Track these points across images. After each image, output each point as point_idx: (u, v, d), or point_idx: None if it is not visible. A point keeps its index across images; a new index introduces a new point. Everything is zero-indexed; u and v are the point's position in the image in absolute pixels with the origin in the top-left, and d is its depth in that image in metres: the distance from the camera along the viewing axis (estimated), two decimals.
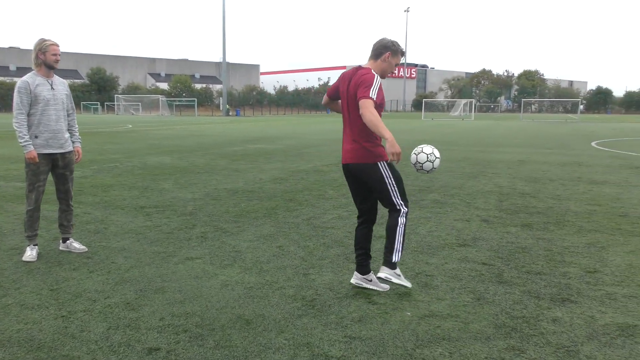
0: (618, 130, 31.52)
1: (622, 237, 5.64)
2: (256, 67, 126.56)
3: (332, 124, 37.84)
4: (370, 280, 4.09)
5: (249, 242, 5.38)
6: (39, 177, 4.84)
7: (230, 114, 69.74)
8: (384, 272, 3.95)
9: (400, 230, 3.89)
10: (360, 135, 3.82)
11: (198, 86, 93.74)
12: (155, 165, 12.07)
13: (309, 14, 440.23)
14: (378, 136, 3.76)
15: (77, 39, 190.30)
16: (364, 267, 4.10)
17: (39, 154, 4.78)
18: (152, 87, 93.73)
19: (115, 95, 74.61)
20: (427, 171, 4.06)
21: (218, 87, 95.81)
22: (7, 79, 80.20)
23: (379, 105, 3.75)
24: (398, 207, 3.90)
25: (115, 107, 72.49)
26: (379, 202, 4.05)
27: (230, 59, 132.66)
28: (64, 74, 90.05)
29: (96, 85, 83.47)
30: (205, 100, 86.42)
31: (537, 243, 5.37)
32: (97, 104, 75.09)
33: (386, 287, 4.04)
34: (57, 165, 4.96)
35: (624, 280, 4.25)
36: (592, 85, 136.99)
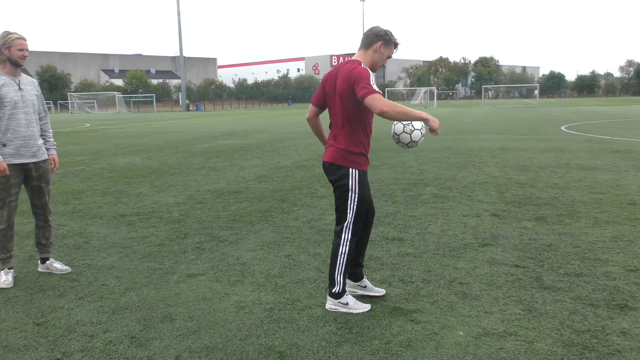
0: (579, 113, 32.10)
1: None
2: (213, 60, 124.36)
3: (298, 116, 37.29)
4: (365, 287, 3.74)
5: (253, 252, 4.87)
6: (10, 191, 4.20)
7: (191, 108, 68.18)
8: (328, 304, 3.55)
9: (343, 251, 3.47)
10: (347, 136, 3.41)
11: (154, 81, 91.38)
12: (126, 166, 11.32)
13: (266, 6, 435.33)
14: (366, 144, 3.44)
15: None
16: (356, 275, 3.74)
17: (8, 165, 4.14)
18: (107, 84, 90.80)
19: (69, 94, 71.87)
20: (406, 143, 3.47)
21: (175, 81, 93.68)
22: None
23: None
24: (346, 224, 3.46)
25: (69, 105, 69.83)
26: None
27: (187, 52, 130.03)
28: None
29: (47, 84, 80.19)
30: (163, 96, 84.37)
31: (561, 239, 5.05)
32: (49, 103, 72.19)
33: (382, 290, 3.77)
34: (30, 177, 4.33)
35: None
36: (544, 70, 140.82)
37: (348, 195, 3.41)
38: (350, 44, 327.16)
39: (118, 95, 68.55)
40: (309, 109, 3.76)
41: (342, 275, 3.47)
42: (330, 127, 3.59)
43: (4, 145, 4.14)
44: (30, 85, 4.35)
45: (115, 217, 6.44)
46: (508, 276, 4.07)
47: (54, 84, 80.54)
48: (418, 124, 3.41)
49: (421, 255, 4.66)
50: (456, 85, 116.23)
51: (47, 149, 4.48)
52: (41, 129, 4.45)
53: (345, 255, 3.44)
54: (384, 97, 3.19)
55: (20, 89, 4.21)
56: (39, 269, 4.52)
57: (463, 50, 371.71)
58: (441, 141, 15.37)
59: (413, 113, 3.18)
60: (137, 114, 59.27)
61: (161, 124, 31.86)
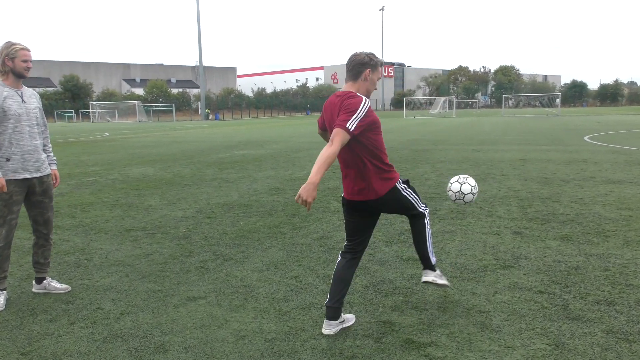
0: (603, 123, 31.36)
1: None
2: (233, 69, 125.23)
3: (316, 126, 37.11)
4: (343, 322, 3.47)
5: (259, 273, 4.61)
6: (12, 208, 4.02)
7: (210, 118, 68.55)
8: (430, 276, 3.69)
9: (428, 231, 3.67)
10: (373, 169, 3.31)
11: (175, 91, 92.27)
12: (138, 177, 11.19)
13: (284, 15, 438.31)
14: (387, 162, 3.40)
15: (47, 46, 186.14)
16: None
17: (12, 180, 3.97)
18: (128, 93, 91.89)
19: (90, 103, 72.83)
20: (466, 202, 4.02)
21: (195, 91, 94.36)
22: None
23: (375, 125, 3.24)
24: (422, 211, 3.59)
25: (91, 114, 70.76)
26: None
27: (207, 62, 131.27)
28: (36, 82, 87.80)
29: (70, 93, 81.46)
30: (183, 105, 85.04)
31: (589, 261, 4.70)
32: (71, 112, 73.27)
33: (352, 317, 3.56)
34: (34, 192, 4.14)
35: None
36: (566, 79, 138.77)
37: (406, 197, 3.46)
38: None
39: (138, 104, 69.26)
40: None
41: (433, 252, 3.69)
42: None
43: (8, 159, 3.98)
44: (32, 97, 4.21)
45: (121, 232, 6.24)
46: (532, 304, 3.75)
47: (77, 93, 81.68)
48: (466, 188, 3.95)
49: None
50: (476, 94, 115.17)
51: (49, 164, 4.31)
52: (42, 142, 4.27)
53: (430, 234, 3.67)
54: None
55: (23, 101, 4.08)
56: (34, 290, 4.31)
57: (483, 59, 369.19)
58: (460, 152, 15.00)
59: (316, 167, 3.07)
60: (156, 123, 59.73)
61: (179, 133, 31.93)
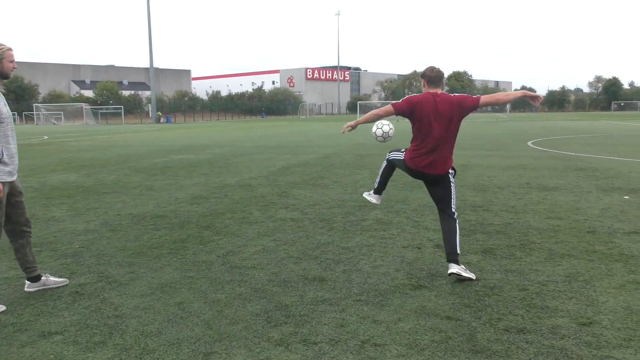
0: (548, 129, 31.98)
1: (602, 263, 4.70)
2: (187, 72, 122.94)
3: (268, 129, 36.49)
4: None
5: (139, 299, 4.03)
6: (2, 211, 3.93)
7: (161, 121, 66.82)
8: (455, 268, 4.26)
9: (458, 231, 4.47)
10: (451, 150, 4.52)
11: (126, 93, 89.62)
12: (56, 185, 10.35)
13: (240, 18, 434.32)
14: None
15: None
16: None
17: (6, 183, 3.91)
18: (76, 95, 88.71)
19: (34, 105, 69.84)
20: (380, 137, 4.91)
21: (147, 93, 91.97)
22: None
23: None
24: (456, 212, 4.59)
25: (35, 117, 67.85)
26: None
27: (160, 64, 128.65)
28: None
29: (13, 95, 77.78)
30: (135, 108, 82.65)
31: (507, 279, 4.33)
32: (14, 115, 70.05)
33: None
34: (13, 194, 4.05)
35: (631, 337, 3.24)
36: (516, 85, 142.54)
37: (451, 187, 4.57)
38: (324, 57, 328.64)
39: (85, 106, 66.82)
40: (384, 111, 4.65)
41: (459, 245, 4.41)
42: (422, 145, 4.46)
43: (6, 164, 3.88)
44: (3, 98, 3.96)
45: (3, 250, 5.52)
46: (435, 334, 3.31)
47: (21, 95, 78.13)
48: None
49: (339, 302, 3.88)
50: None
51: None
52: None
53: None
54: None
55: (5, 103, 3.97)
56: (30, 289, 4.24)
57: (437, 64, 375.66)
58: None
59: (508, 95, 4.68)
60: (104, 126, 57.74)
61: (123, 136, 30.70)
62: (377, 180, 4.98)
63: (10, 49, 3.92)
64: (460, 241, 4.39)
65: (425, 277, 4.42)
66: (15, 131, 4.05)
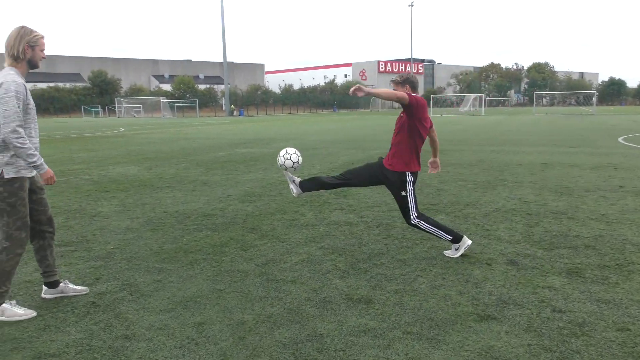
0: None
1: None
2: (261, 66, 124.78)
3: (338, 123, 35.96)
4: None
5: (157, 316, 3.52)
6: (27, 207, 3.62)
7: (234, 114, 68.02)
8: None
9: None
10: None
11: (202, 87, 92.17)
12: (114, 178, 10.26)
13: (313, 12, 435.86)
14: None
15: (78, 42, 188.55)
16: None
17: (25, 179, 3.59)
18: (156, 89, 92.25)
19: (116, 98, 73.15)
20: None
21: (222, 87, 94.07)
22: None
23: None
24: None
25: (116, 110, 71.07)
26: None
27: (234, 58, 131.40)
28: (66, 77, 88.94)
29: (98, 89, 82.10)
30: (210, 101, 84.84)
31: (601, 312, 3.46)
32: (97, 107, 73.76)
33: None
34: (34, 190, 3.73)
35: None
36: (604, 77, 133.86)
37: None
38: (398, 49, 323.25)
39: (163, 100, 69.15)
40: (398, 96, 4.32)
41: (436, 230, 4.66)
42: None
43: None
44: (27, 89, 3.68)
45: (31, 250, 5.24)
46: None
47: (105, 89, 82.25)
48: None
49: (385, 333, 3.19)
50: (508, 92, 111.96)
51: None
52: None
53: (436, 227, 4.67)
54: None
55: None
56: (47, 296, 3.89)
57: (516, 55, 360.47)
58: (477, 153, 13.65)
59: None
60: (180, 119, 59.44)
61: (195, 129, 31.17)
62: None
63: (43, 37, 3.62)
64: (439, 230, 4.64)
65: (494, 304, 3.63)
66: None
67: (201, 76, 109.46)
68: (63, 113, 76.64)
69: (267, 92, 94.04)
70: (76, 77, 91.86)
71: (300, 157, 4.80)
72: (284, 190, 8.38)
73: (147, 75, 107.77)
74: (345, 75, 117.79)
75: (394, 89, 4.53)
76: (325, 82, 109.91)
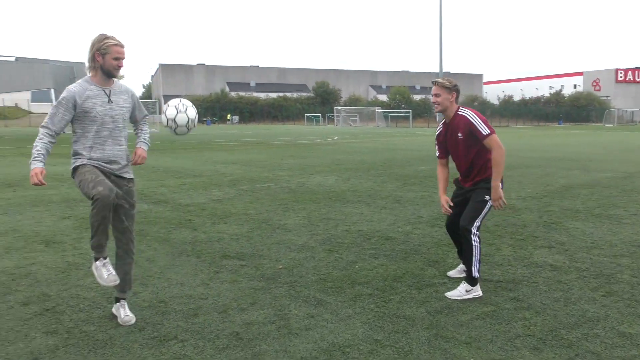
0: None
1: None
2: (479, 76, 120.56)
3: (557, 137, 32.41)
4: None
5: None
6: (98, 173, 3.55)
7: None
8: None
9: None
10: None
11: (417, 97, 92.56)
12: (311, 188, 10.30)
13: (539, 17, 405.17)
14: None
15: (306, 56, 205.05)
16: None
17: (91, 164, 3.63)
18: (373, 99, 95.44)
19: (335, 108, 77.39)
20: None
21: None
22: (246, 94, 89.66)
23: None
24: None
25: (335, 118, 75.14)
26: None
27: (451, 68, 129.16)
28: (294, 88, 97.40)
29: (320, 98, 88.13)
30: (425, 112, 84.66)
31: None
32: (318, 116, 78.97)
33: None
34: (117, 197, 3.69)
35: None
36: None
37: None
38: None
39: (377, 110, 70.99)
40: None
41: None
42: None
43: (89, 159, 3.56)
44: (122, 95, 3.70)
45: (213, 259, 5.21)
46: None
47: (326, 99, 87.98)
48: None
49: None
50: None
51: (137, 143, 3.84)
52: (137, 132, 3.93)
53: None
54: None
55: (110, 101, 3.59)
56: (113, 310, 3.75)
57: None
58: None
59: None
60: (393, 128, 60.25)
61: (404, 140, 30.99)
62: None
63: (118, 45, 3.49)
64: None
65: None
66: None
67: (417, 87, 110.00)
68: (289, 120, 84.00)
69: (485, 103, 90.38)
70: (302, 87, 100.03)
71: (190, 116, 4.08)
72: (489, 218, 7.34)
73: (365, 85, 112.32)
74: (575, 86, 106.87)
75: (435, 93, 4.18)
76: (550, 93, 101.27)
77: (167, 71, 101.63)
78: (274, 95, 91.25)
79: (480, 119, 4.13)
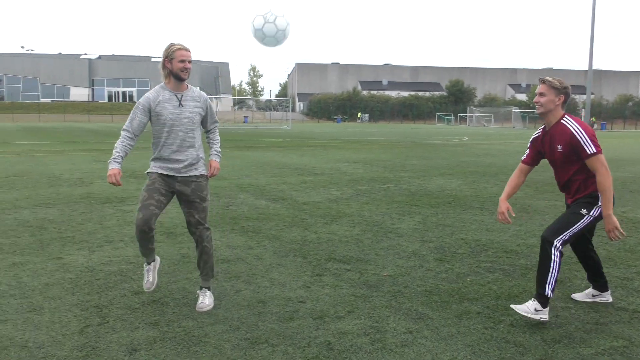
0: None
1: None
2: (635, 74, 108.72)
3: None
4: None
5: None
6: (152, 194, 3.92)
7: (595, 128, 60.94)
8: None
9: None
10: None
11: None
12: (431, 190, 9.90)
13: None
14: None
15: (439, 54, 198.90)
16: None
17: (155, 173, 3.98)
18: (510, 99, 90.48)
19: (468, 107, 74.54)
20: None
21: (584, 97, 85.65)
22: (378, 92, 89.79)
23: None
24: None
25: (467, 118, 72.39)
26: None
27: (603, 65, 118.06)
28: (426, 87, 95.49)
29: (453, 97, 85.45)
30: (569, 112, 78.40)
31: None
32: (450, 115, 76.61)
33: None
34: (181, 192, 3.96)
35: None
36: None
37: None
38: None
39: (514, 110, 67.08)
40: None
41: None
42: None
43: (156, 159, 3.90)
44: (194, 100, 3.94)
45: (305, 256, 5.15)
46: None
47: (459, 98, 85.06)
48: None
49: None
50: None
51: (210, 155, 4.12)
52: (209, 141, 4.18)
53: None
54: None
55: (180, 105, 3.84)
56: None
57: None
58: None
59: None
60: (531, 130, 56.48)
61: None
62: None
63: (182, 49, 3.75)
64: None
65: None
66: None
67: None
68: (419, 119, 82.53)
69: None
70: (435, 86, 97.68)
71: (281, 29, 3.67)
72: (630, 236, 6.49)
73: (503, 84, 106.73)
74: None
75: (541, 92, 3.77)
76: None
77: (302, 70, 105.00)
78: (405, 93, 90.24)
79: (586, 133, 3.60)
